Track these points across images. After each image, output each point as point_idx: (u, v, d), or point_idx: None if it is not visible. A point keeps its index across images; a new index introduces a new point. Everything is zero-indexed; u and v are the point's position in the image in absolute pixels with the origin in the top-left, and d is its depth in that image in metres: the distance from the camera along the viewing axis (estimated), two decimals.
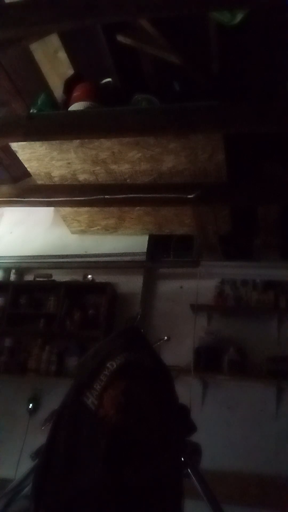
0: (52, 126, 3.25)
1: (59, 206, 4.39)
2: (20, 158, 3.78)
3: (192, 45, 3.39)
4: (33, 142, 3.54)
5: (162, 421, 0.99)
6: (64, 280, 4.61)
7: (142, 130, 3.17)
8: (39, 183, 4.01)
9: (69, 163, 3.76)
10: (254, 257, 4.29)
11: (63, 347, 4.32)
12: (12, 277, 4.84)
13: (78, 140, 3.49)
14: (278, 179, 3.72)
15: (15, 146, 3.66)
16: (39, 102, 3.58)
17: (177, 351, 3.82)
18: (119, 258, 4.57)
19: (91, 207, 4.19)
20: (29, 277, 4.86)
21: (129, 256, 4.57)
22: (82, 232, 4.79)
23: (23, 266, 4.84)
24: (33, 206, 4.24)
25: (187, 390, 3.59)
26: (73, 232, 4.84)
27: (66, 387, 1.06)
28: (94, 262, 4.61)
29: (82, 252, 4.72)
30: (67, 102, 3.52)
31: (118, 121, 3.11)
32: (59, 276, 4.68)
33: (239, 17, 2.80)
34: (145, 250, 4.56)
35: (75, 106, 3.41)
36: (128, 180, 3.82)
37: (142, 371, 1.02)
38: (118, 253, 4.60)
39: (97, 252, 4.67)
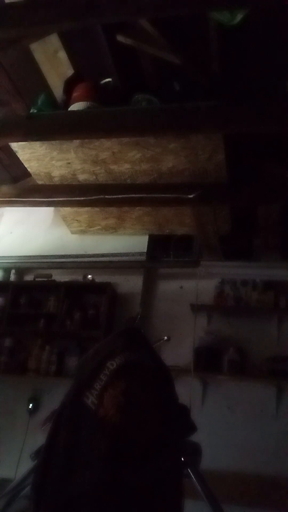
0: (52, 126, 3.24)
1: (59, 206, 4.39)
2: (20, 158, 3.77)
3: (192, 45, 3.38)
4: (33, 142, 3.54)
5: (162, 421, 0.99)
6: (64, 280, 4.62)
7: (142, 130, 3.16)
8: (39, 183, 4.01)
9: (69, 163, 3.75)
10: (254, 257, 4.29)
11: (63, 347, 4.32)
12: (12, 277, 4.84)
13: (78, 140, 3.49)
14: (278, 179, 3.72)
15: (15, 146, 3.65)
16: (39, 102, 3.57)
17: (177, 351, 3.82)
18: (119, 258, 4.57)
19: (91, 207, 4.18)
20: (29, 277, 4.86)
21: (129, 256, 4.56)
22: (82, 232, 4.79)
23: (23, 266, 4.84)
24: (33, 206, 4.24)
25: (187, 390, 3.59)
26: (73, 232, 4.83)
27: (66, 387, 1.06)
28: (94, 262, 4.60)
29: (82, 252, 4.71)
30: (67, 102, 3.52)
31: (118, 121, 3.11)
32: (59, 276, 4.68)
33: (239, 17, 2.79)
34: (145, 250, 4.56)
35: (75, 106, 3.40)
36: (128, 180, 3.81)
37: (142, 371, 1.02)
38: (118, 253, 4.60)
39: (97, 252, 4.66)
